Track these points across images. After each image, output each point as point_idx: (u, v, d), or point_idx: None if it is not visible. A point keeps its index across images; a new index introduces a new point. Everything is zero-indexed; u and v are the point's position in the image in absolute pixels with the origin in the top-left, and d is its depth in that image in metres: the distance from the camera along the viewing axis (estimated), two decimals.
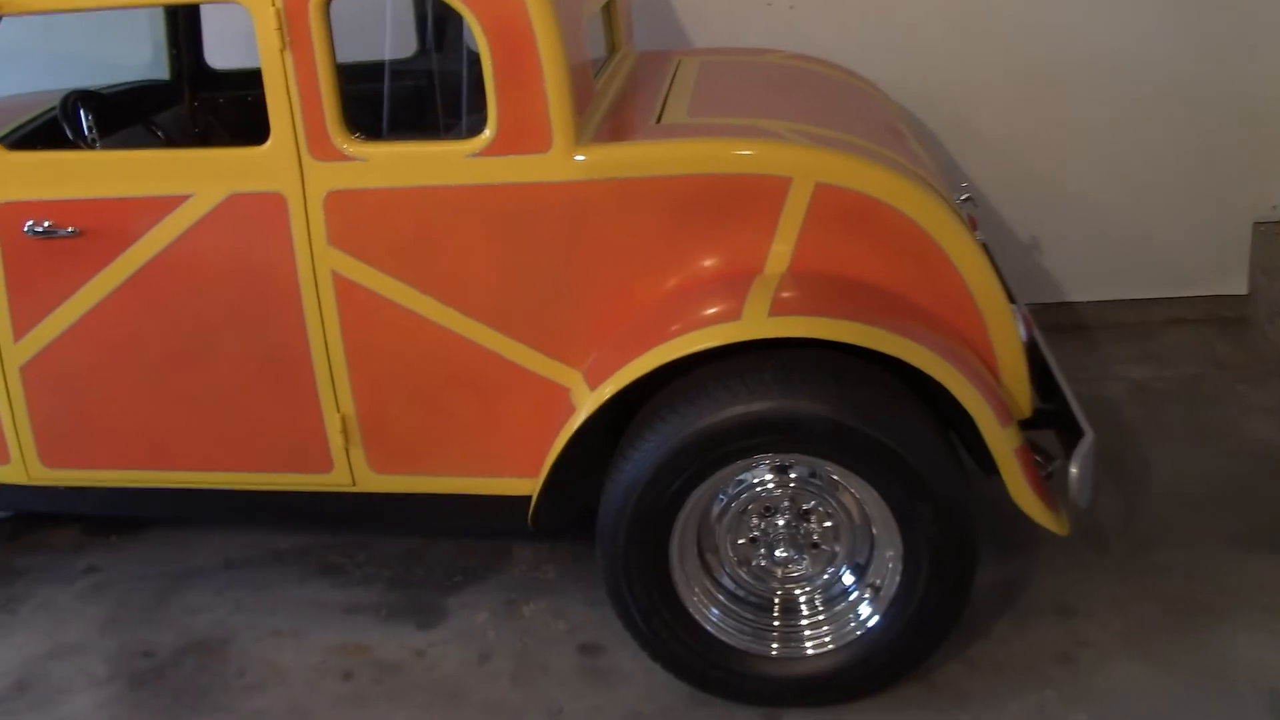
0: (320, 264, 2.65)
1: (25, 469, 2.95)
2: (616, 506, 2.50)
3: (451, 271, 2.62)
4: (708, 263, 2.59)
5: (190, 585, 3.21)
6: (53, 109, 3.16)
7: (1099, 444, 2.60)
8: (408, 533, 3.33)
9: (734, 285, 2.53)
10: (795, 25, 4.11)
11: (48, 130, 3.13)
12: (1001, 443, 2.46)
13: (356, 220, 2.61)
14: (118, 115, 3.28)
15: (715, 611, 2.61)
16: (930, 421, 2.49)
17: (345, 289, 2.66)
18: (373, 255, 2.63)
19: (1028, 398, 2.66)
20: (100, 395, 2.83)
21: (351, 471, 2.83)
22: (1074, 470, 2.52)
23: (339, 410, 2.76)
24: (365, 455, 2.80)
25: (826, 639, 2.60)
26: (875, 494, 2.47)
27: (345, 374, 2.73)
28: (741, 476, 2.59)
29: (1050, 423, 2.78)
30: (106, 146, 3.16)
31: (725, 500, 2.60)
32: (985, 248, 3.44)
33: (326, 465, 2.83)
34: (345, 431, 2.78)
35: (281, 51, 2.51)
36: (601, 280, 2.60)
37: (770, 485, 2.60)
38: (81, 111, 3.10)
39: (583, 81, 2.61)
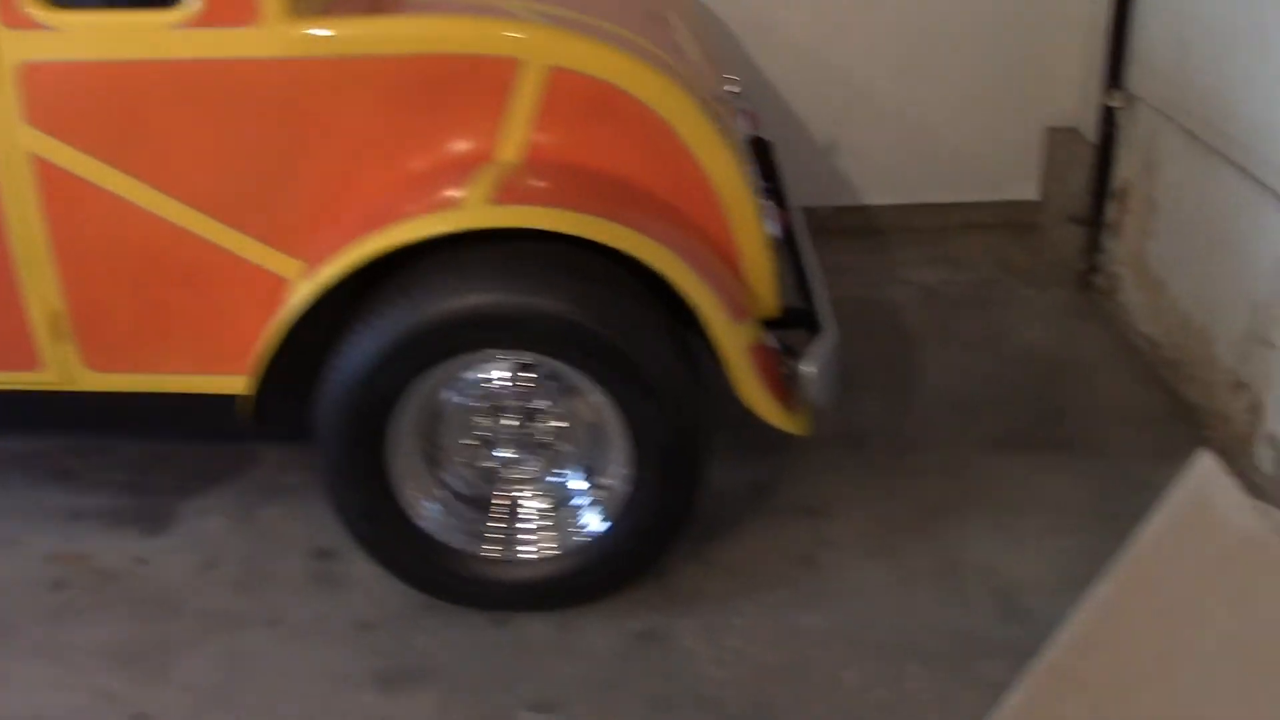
0: (16, 145, 2.43)
1: None
2: (331, 403, 2.38)
3: (163, 155, 2.44)
4: (438, 149, 2.44)
5: None
6: None
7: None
8: (148, 436, 3.16)
9: (461, 173, 2.40)
10: None
11: None
12: (729, 338, 2.39)
13: (55, 97, 2.40)
14: None
15: (438, 513, 2.51)
16: (663, 319, 2.40)
17: (46, 173, 2.46)
18: (75, 136, 2.43)
19: (774, 295, 2.60)
20: None
21: (65, 369, 2.64)
22: (807, 369, 2.47)
23: (47, 304, 2.56)
24: (80, 352, 2.62)
25: (554, 544, 2.53)
26: (602, 393, 2.39)
27: (51, 265, 2.53)
28: (471, 374, 2.49)
29: (802, 322, 2.73)
30: None
31: (452, 397, 2.50)
32: (765, 144, 3.40)
33: (34, 363, 2.64)
34: (55, 326, 2.59)
35: None
36: (322, 166, 2.44)
37: (501, 383, 2.50)
38: None
39: None
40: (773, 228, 2.65)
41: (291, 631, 2.55)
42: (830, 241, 4.25)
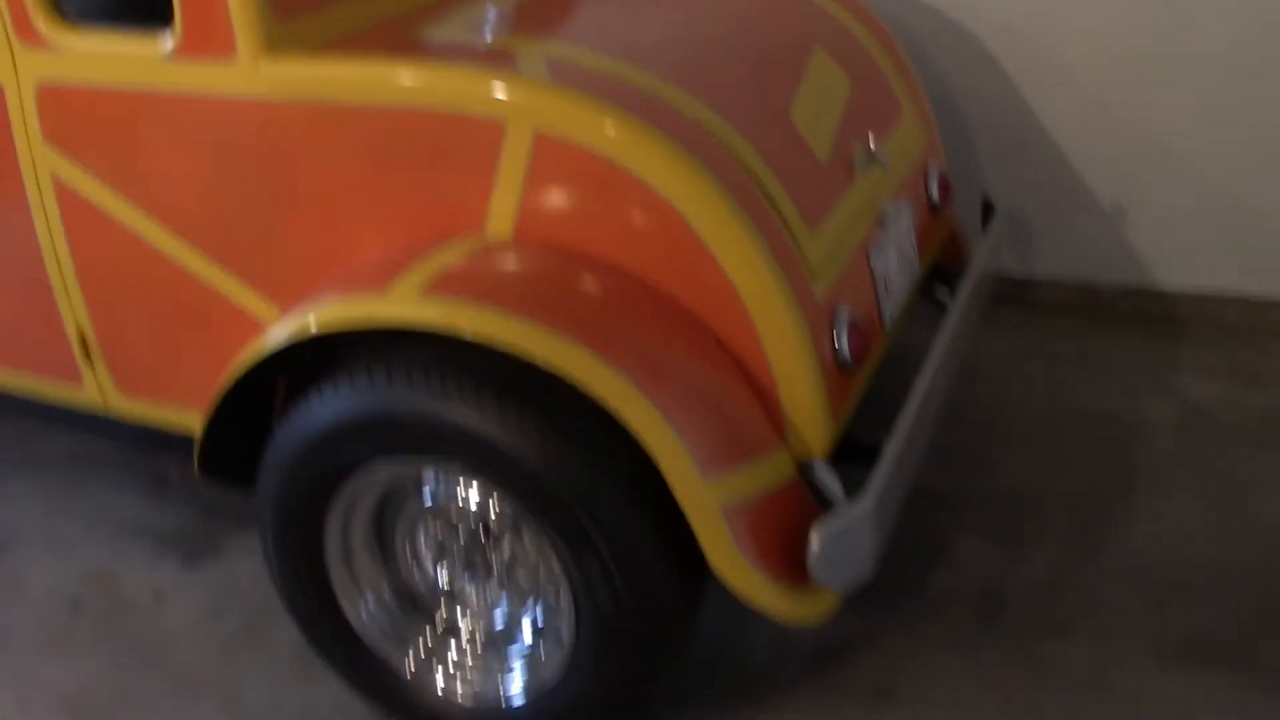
0: (40, 163, 2.35)
1: None
2: (266, 477, 2.11)
3: (161, 188, 2.27)
4: (425, 213, 2.10)
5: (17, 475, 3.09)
6: None
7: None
8: None
9: (428, 245, 2.05)
10: None
11: None
12: (696, 494, 1.86)
13: (68, 119, 2.29)
14: None
15: (370, 610, 2.20)
16: (622, 460, 1.91)
17: (64, 194, 2.36)
18: (89, 161, 2.31)
19: (820, 433, 2.05)
20: None
21: (101, 390, 2.57)
22: (813, 541, 1.90)
23: (76, 323, 2.49)
24: (111, 375, 2.53)
25: (473, 691, 2.14)
26: (536, 531, 1.97)
27: (76, 285, 2.45)
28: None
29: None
30: None
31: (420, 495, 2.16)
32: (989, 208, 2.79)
33: (75, 378, 2.58)
34: (85, 347, 2.51)
35: None
36: (307, 216, 2.18)
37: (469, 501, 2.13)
38: None
39: None
40: (843, 346, 2.09)
41: (242, 718, 2.33)
42: (1107, 328, 3.51)
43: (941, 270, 2.90)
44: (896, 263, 2.46)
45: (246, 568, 2.71)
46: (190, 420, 2.50)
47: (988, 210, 3.04)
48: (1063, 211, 3.51)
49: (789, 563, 1.96)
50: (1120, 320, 3.54)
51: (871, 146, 2.46)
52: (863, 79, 2.64)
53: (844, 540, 1.91)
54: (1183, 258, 3.47)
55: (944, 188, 2.76)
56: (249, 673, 2.43)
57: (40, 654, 2.50)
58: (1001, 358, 3.40)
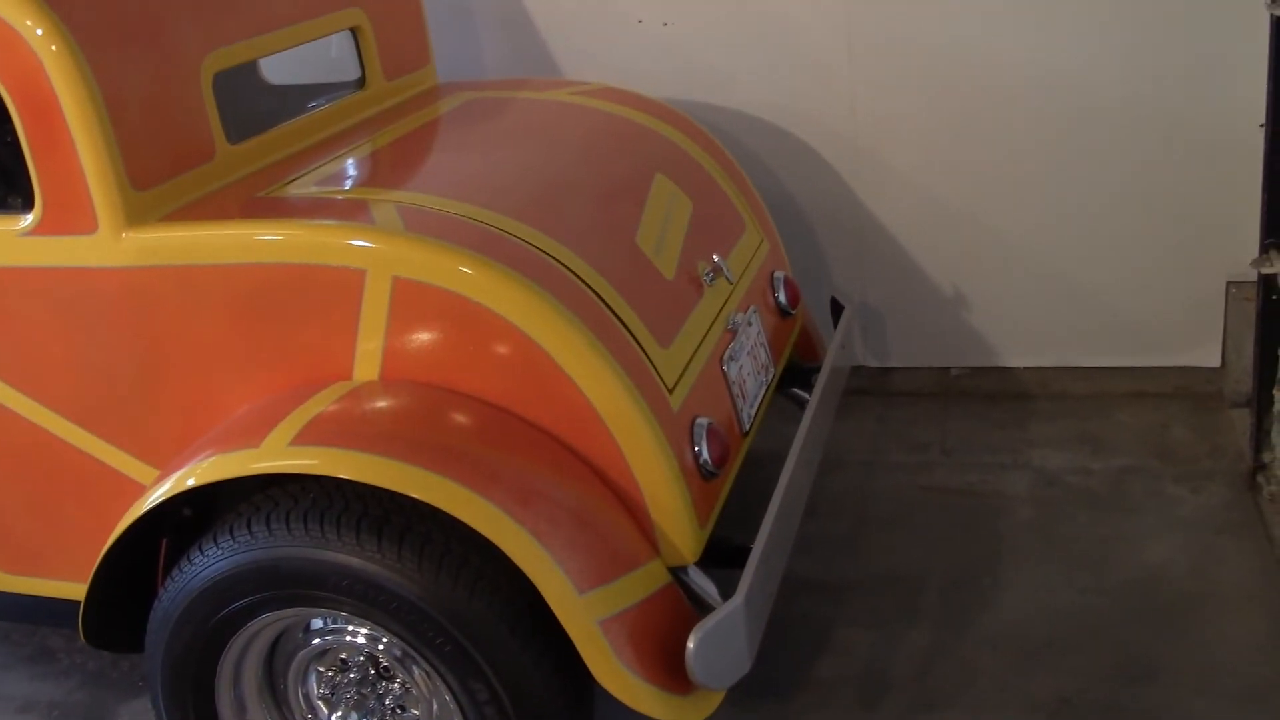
0: None
1: None
2: (153, 638, 2.14)
3: (30, 362, 2.31)
4: (293, 364, 2.19)
5: None
6: None
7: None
8: None
9: (302, 395, 2.12)
10: (671, 47, 3.60)
11: None
12: (574, 611, 1.95)
13: None
14: None
15: None
16: (500, 585, 2.00)
17: None
18: None
19: (689, 540, 2.15)
20: None
21: None
22: (690, 645, 1.99)
23: None
24: None
25: None
26: (425, 665, 2.03)
27: None
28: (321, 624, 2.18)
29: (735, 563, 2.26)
30: None
31: (294, 648, 2.20)
32: (838, 306, 2.94)
33: None
34: None
35: None
36: (179, 378, 2.24)
37: (359, 640, 2.17)
38: None
39: (161, 147, 2.23)
40: (705, 454, 2.21)
41: None
42: (962, 409, 3.69)
43: (800, 368, 3.05)
44: (751, 368, 2.60)
45: None
46: (77, 591, 2.50)
47: (836, 308, 3.21)
48: (910, 302, 3.72)
49: (669, 666, 2.05)
50: (973, 400, 3.74)
51: (716, 261, 2.61)
52: (704, 199, 2.81)
53: (717, 640, 2.01)
54: (1024, 336, 3.69)
55: (790, 292, 2.93)
56: None
57: None
58: (866, 447, 3.56)
